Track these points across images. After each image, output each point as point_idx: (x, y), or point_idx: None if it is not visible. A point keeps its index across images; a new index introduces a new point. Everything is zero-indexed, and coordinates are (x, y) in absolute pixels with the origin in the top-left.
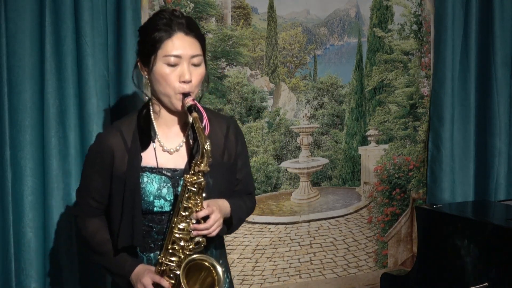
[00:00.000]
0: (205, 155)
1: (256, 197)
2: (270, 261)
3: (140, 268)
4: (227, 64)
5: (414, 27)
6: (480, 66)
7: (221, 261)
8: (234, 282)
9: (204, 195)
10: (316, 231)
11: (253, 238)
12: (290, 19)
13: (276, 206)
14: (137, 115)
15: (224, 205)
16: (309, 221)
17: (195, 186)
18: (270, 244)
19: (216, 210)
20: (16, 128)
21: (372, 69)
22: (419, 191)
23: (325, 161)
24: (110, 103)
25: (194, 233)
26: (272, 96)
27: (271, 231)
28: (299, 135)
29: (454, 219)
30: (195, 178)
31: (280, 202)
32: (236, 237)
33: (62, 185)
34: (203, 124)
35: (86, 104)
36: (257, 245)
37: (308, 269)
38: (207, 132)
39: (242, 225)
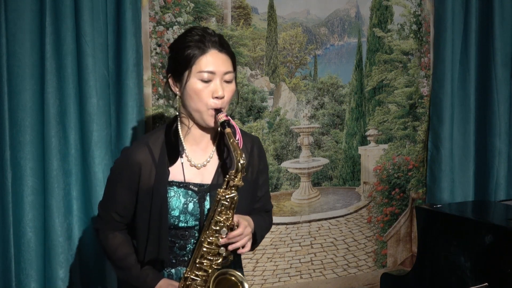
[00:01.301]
0: (240, 169)
1: None
2: (271, 261)
3: (163, 283)
4: None
5: (414, 27)
6: (480, 66)
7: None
8: None
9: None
10: (317, 231)
11: None
12: (290, 19)
13: (276, 206)
14: (165, 130)
15: (250, 221)
16: (309, 221)
17: (228, 200)
18: (271, 245)
19: (247, 225)
20: (16, 128)
21: (372, 69)
22: (418, 191)
23: (325, 161)
24: (110, 102)
25: (230, 247)
26: (272, 96)
27: (272, 232)
28: (300, 135)
29: (454, 219)
30: (228, 192)
31: (280, 202)
32: None
33: (62, 185)
34: (237, 139)
35: (86, 104)
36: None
37: (309, 269)
38: (241, 145)
39: None
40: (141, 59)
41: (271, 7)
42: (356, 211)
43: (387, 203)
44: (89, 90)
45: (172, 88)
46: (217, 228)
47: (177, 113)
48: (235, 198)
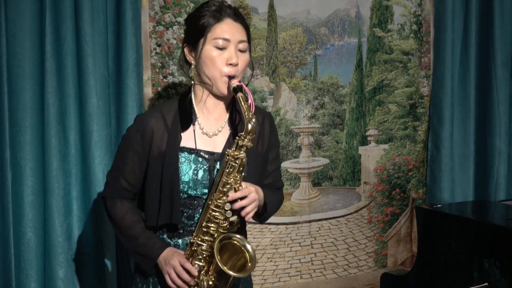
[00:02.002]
0: (250, 130)
1: None
2: (271, 261)
3: (169, 250)
4: None
5: (414, 27)
6: (480, 66)
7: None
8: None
9: (243, 174)
10: (317, 231)
11: (254, 238)
12: (290, 19)
13: None
14: (179, 99)
15: (259, 190)
16: (310, 221)
17: (237, 161)
18: (271, 245)
19: (254, 191)
20: (16, 128)
21: (372, 69)
22: (418, 191)
23: (325, 161)
24: (110, 102)
25: (236, 205)
26: (272, 96)
27: (272, 231)
28: (300, 135)
29: (454, 219)
30: (237, 153)
31: None
32: None
33: (62, 185)
34: (249, 103)
35: (86, 104)
36: (258, 246)
37: (309, 269)
38: (252, 110)
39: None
40: (141, 59)
41: (271, 7)
42: (356, 211)
43: (387, 203)
44: (89, 90)
45: (187, 58)
46: (225, 190)
47: (191, 83)
48: (244, 160)
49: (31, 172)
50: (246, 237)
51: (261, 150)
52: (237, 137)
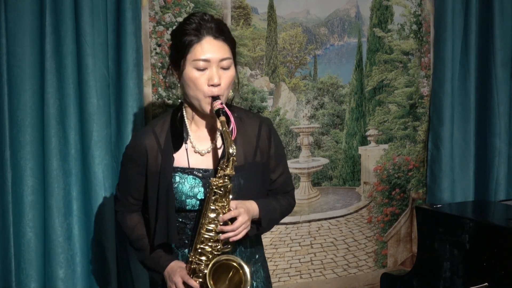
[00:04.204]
0: (230, 159)
1: None
2: (271, 261)
3: (173, 264)
4: None
5: (414, 27)
6: (480, 66)
7: (255, 257)
8: None
9: (231, 196)
10: (317, 231)
11: None
12: (290, 19)
13: None
14: (171, 116)
15: (252, 206)
16: (309, 221)
17: (221, 189)
18: (271, 244)
19: (243, 212)
20: (16, 128)
21: (372, 69)
22: (418, 191)
23: (325, 161)
24: (110, 103)
25: (221, 236)
26: (272, 96)
27: (272, 231)
28: (299, 135)
29: (454, 219)
30: (221, 181)
31: None
32: None
33: (62, 185)
34: (230, 128)
35: (86, 104)
36: None
37: (309, 269)
38: (233, 136)
39: None
40: (141, 59)
41: (271, 7)
42: (356, 211)
43: (387, 203)
44: (89, 90)
45: (174, 76)
46: (214, 215)
47: (182, 100)
48: (228, 186)
49: (31, 172)
50: (260, 244)
51: (260, 160)
52: (219, 166)
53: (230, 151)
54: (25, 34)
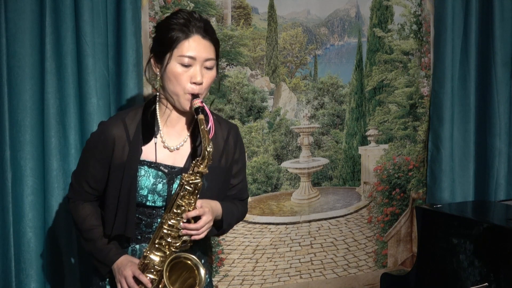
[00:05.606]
0: (207, 157)
1: (257, 197)
2: (271, 261)
3: (123, 258)
4: (227, 64)
5: (414, 27)
6: (480, 66)
7: (203, 261)
8: (234, 282)
9: (198, 195)
10: (317, 231)
11: (254, 238)
12: (291, 19)
13: (276, 206)
14: (144, 108)
15: (216, 207)
16: (309, 221)
17: (192, 186)
18: (271, 244)
19: (208, 212)
20: (16, 128)
21: (372, 69)
22: (418, 191)
23: (325, 161)
24: (110, 103)
25: (183, 231)
26: (272, 96)
27: (272, 231)
28: (300, 135)
29: (454, 219)
30: (193, 178)
31: (280, 202)
32: (236, 237)
33: (62, 185)
34: (208, 127)
35: (86, 104)
36: (258, 245)
37: (309, 269)
38: (211, 135)
39: (243, 225)
40: (141, 59)
41: (271, 7)
42: (356, 211)
43: (387, 203)
44: (89, 90)
45: (154, 69)
46: (179, 211)
47: (157, 93)
48: (199, 184)
49: (31, 172)
50: (209, 247)
51: (225, 165)
52: (193, 162)
53: (208, 149)
54: (25, 34)
